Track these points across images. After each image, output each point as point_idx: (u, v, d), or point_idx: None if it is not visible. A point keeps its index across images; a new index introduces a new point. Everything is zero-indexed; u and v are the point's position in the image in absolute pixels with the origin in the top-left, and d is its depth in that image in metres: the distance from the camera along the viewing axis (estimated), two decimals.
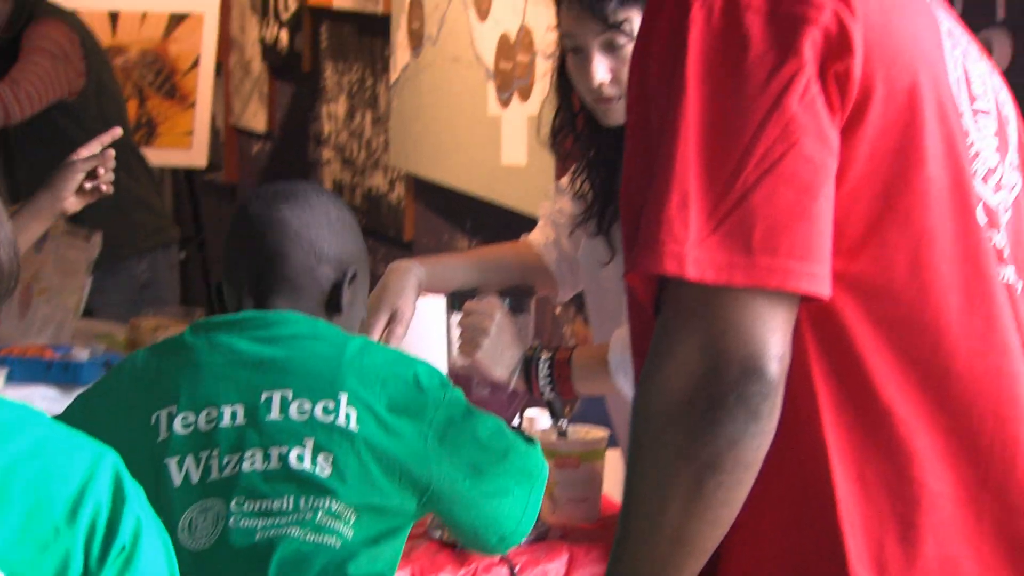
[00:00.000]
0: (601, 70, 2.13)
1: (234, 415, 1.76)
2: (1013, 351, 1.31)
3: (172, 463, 1.75)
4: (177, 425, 1.76)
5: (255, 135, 5.60)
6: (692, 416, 1.21)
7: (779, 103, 1.23)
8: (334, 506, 1.74)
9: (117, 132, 2.81)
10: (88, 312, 3.66)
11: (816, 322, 1.28)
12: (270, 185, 1.96)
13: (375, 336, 2.26)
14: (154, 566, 1.27)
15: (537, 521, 2.30)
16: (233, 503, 1.74)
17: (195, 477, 1.75)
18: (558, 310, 3.57)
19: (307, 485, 1.74)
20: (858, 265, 1.28)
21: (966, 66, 1.39)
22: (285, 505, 1.74)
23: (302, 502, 1.74)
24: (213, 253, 5.53)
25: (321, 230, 1.88)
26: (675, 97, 1.25)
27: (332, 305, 1.90)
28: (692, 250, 1.22)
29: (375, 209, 4.62)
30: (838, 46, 1.25)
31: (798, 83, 1.23)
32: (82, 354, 3.19)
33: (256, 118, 5.51)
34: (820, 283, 1.23)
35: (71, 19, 4.11)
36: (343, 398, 1.76)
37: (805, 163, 1.23)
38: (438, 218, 4.25)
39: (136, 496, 1.29)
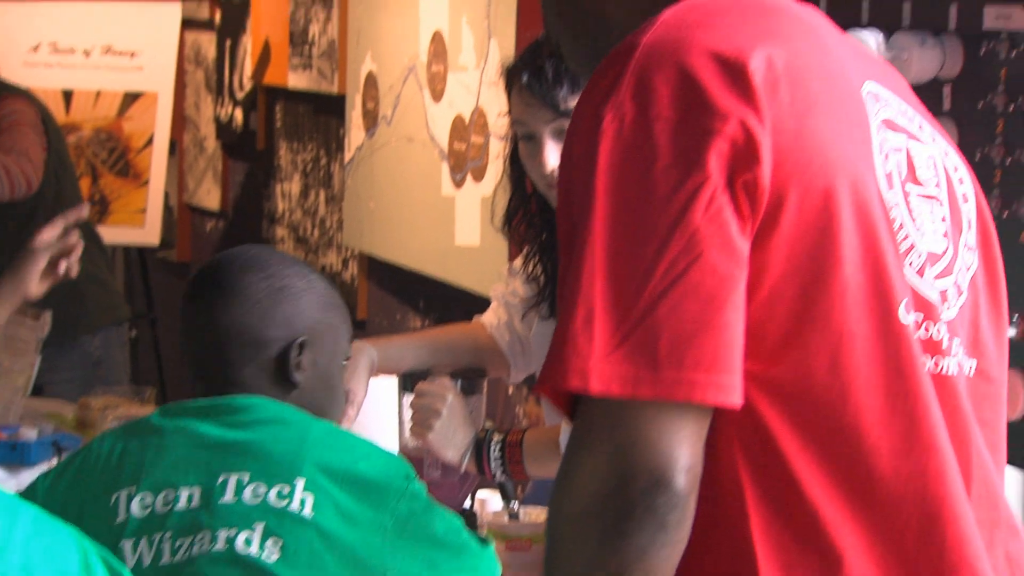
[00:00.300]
0: (553, 157, 2.15)
1: (190, 498, 1.75)
2: (939, 449, 1.32)
3: (127, 545, 1.74)
4: (135, 507, 1.76)
5: (209, 213, 5.59)
6: (601, 526, 1.23)
7: (683, 216, 1.24)
8: None
9: (83, 212, 2.79)
10: (37, 390, 3.63)
11: (741, 425, 1.29)
12: (204, 268, 1.93)
13: None
14: None
15: None
16: None
17: (147, 560, 1.73)
18: (511, 391, 3.57)
19: (253, 570, 1.72)
20: (778, 369, 1.29)
21: (910, 153, 1.40)
22: None
23: None
24: (164, 331, 5.51)
25: (253, 317, 1.85)
26: (585, 209, 1.27)
27: (283, 381, 1.86)
28: (597, 365, 1.23)
29: None
30: (745, 156, 1.25)
31: (703, 195, 1.24)
32: (30, 434, 3.15)
33: (210, 196, 5.51)
34: (727, 393, 1.25)
35: (30, 96, 4.13)
36: (300, 483, 1.74)
37: (710, 274, 1.24)
38: (391, 297, 4.25)
39: None
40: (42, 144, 3.98)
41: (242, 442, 1.78)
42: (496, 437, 2.24)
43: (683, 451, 1.23)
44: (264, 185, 5.09)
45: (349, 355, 1.96)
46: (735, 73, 1.27)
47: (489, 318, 2.51)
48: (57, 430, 3.26)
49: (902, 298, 1.32)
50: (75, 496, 1.81)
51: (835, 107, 1.33)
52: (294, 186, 4.86)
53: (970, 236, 1.44)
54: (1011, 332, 1.95)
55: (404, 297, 4.17)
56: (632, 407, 1.23)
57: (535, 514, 2.38)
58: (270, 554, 1.72)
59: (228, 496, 1.75)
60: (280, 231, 4.98)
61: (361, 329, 4.38)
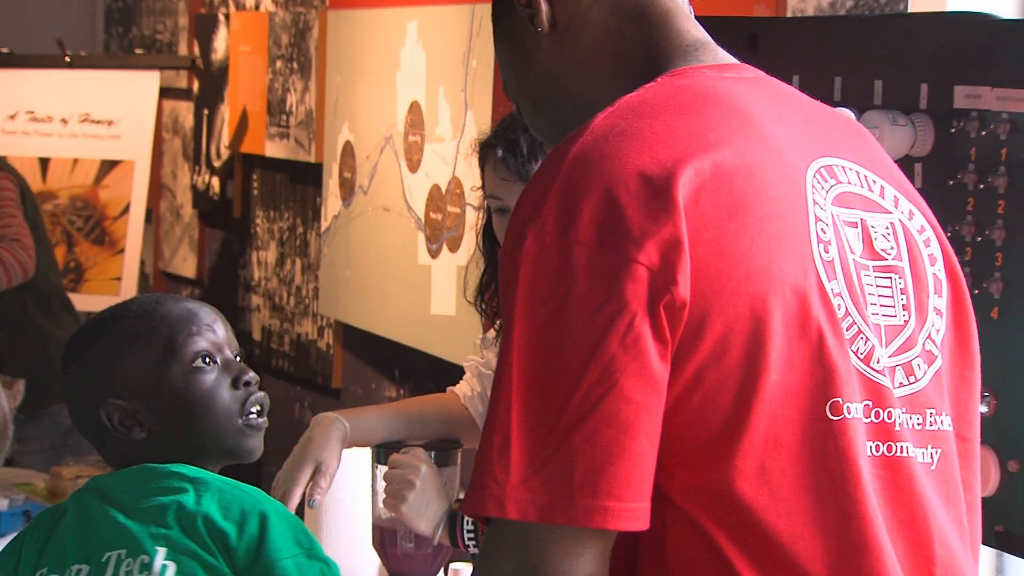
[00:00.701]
0: None
1: (78, 572, 1.75)
2: (876, 549, 1.31)
3: None
4: None
5: (185, 280, 5.59)
6: None
7: (600, 345, 1.25)
8: None
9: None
10: (7, 461, 3.61)
11: (683, 534, 1.30)
12: None
13: (298, 490, 2.24)
14: None
15: None
16: None
17: None
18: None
19: None
20: (710, 476, 1.29)
21: (866, 225, 1.39)
22: None
23: None
24: None
25: (72, 398, 1.83)
26: (506, 332, 1.28)
27: (131, 449, 1.78)
28: (513, 493, 1.26)
29: (304, 356, 4.61)
30: (663, 279, 1.26)
31: (619, 323, 1.25)
32: (1, 503, 3.14)
33: (186, 264, 5.50)
34: (637, 520, 1.27)
35: (9, 168, 4.14)
36: (160, 553, 1.72)
37: (625, 403, 1.25)
38: (366, 366, 4.25)
39: None
40: (24, 221, 4.00)
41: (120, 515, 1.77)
42: None
43: (586, 571, 1.26)
44: (240, 253, 5.09)
45: (208, 362, 1.80)
46: (658, 191, 1.27)
47: (463, 388, 2.51)
48: (28, 499, 3.24)
49: (837, 394, 1.32)
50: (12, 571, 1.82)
51: (766, 206, 1.32)
52: (270, 254, 4.86)
53: (939, 301, 1.43)
54: (983, 409, 1.96)
55: (379, 366, 4.16)
56: (539, 530, 1.26)
57: None
58: None
59: (108, 574, 1.74)
60: (256, 299, 4.97)
61: (336, 397, 4.37)
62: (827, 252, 1.35)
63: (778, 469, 1.30)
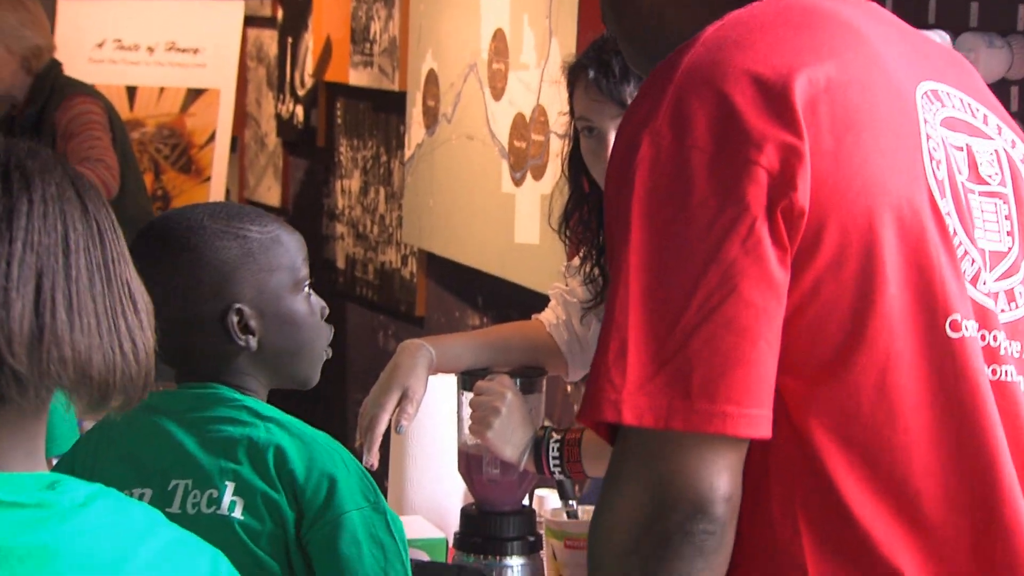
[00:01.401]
0: None
1: (141, 496, 1.74)
2: (995, 464, 1.30)
3: None
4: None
5: (269, 209, 5.61)
6: (642, 555, 1.24)
7: (720, 248, 1.24)
8: None
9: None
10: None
11: (789, 448, 1.29)
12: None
13: (385, 416, 2.25)
14: None
15: None
16: None
17: None
18: (568, 390, 3.56)
19: None
20: (826, 390, 1.29)
21: (971, 150, 1.39)
22: None
23: None
24: None
25: (178, 292, 1.74)
26: (621, 239, 1.27)
27: (235, 353, 1.76)
28: (630, 397, 1.24)
29: (387, 284, 4.63)
30: (783, 183, 1.25)
31: (740, 228, 1.24)
32: (87, 424, 3.18)
33: (270, 192, 5.53)
34: (757, 426, 1.25)
35: (97, 94, 4.16)
36: (228, 487, 1.71)
37: (745, 308, 1.24)
38: (450, 294, 4.25)
39: None
40: (111, 144, 4.02)
41: (192, 441, 1.74)
42: (555, 436, 2.23)
43: (722, 481, 1.25)
44: (324, 182, 5.10)
45: (307, 288, 1.83)
46: (774, 96, 1.26)
47: (548, 316, 2.50)
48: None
49: (955, 311, 1.31)
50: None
51: (879, 121, 1.31)
52: (354, 183, 4.87)
53: None
54: None
55: (463, 294, 4.16)
56: (670, 439, 1.25)
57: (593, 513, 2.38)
58: None
59: (175, 506, 1.73)
60: (340, 228, 4.99)
61: (419, 326, 4.39)
62: (938, 170, 1.34)
63: (898, 385, 1.29)
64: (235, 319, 1.75)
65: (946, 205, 1.34)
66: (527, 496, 2.37)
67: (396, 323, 4.60)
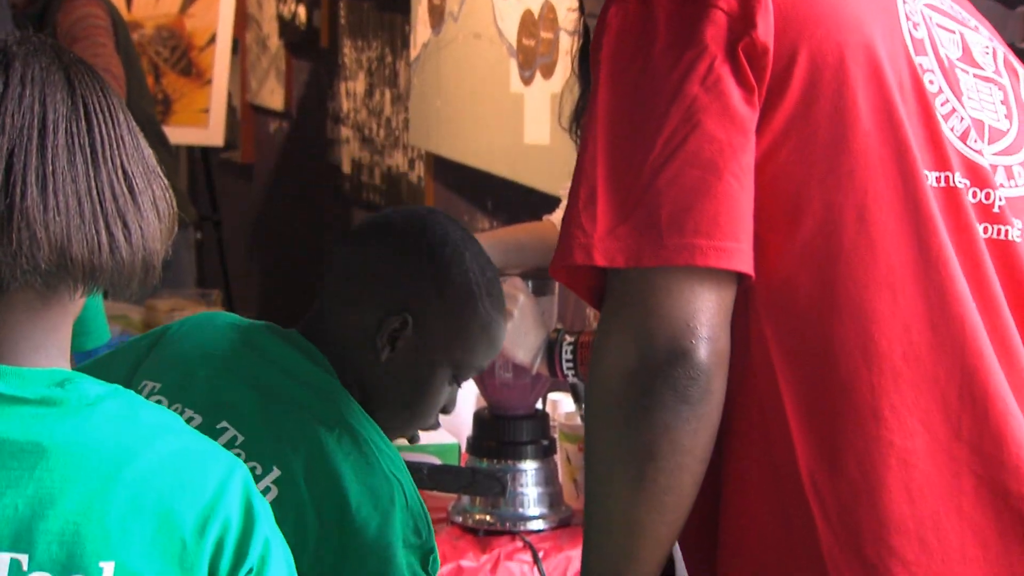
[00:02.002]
0: None
1: (189, 421, 1.62)
2: (967, 308, 1.30)
3: None
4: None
5: (272, 113, 5.55)
6: (626, 405, 1.25)
7: (681, 89, 1.26)
8: None
9: None
10: (104, 294, 3.63)
11: (763, 295, 1.29)
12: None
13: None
14: None
15: (561, 506, 2.27)
16: None
17: None
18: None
19: None
20: (805, 231, 1.28)
21: (964, 38, 1.40)
22: None
23: None
24: (229, 234, 5.49)
25: (378, 267, 1.69)
26: (592, 101, 1.30)
27: (367, 352, 1.68)
28: (600, 241, 1.26)
29: (394, 188, 4.58)
30: (741, 22, 1.27)
31: (700, 67, 1.26)
32: None
33: (273, 96, 5.47)
34: (732, 258, 1.25)
35: None
36: (274, 474, 1.58)
37: (709, 142, 1.25)
38: (458, 198, 4.21)
39: (265, 514, 1.20)
40: (115, 50, 3.95)
41: (264, 400, 1.62)
42: (568, 338, 2.20)
43: (701, 321, 1.24)
44: (328, 84, 5.04)
45: (460, 383, 1.76)
46: None
47: (559, 217, 2.48)
48: (124, 332, 3.25)
49: (930, 159, 1.31)
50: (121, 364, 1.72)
51: None
52: (359, 85, 4.81)
53: None
54: None
55: (471, 198, 4.12)
56: (647, 280, 1.25)
57: None
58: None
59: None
60: (345, 131, 4.93)
61: None
62: (916, 31, 1.36)
63: (878, 222, 1.29)
64: (395, 325, 1.67)
65: (927, 62, 1.35)
66: (540, 400, 2.34)
67: None
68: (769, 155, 1.28)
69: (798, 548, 1.29)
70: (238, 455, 1.52)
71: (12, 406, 1.14)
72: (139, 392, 1.60)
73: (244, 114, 5.77)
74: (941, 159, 1.32)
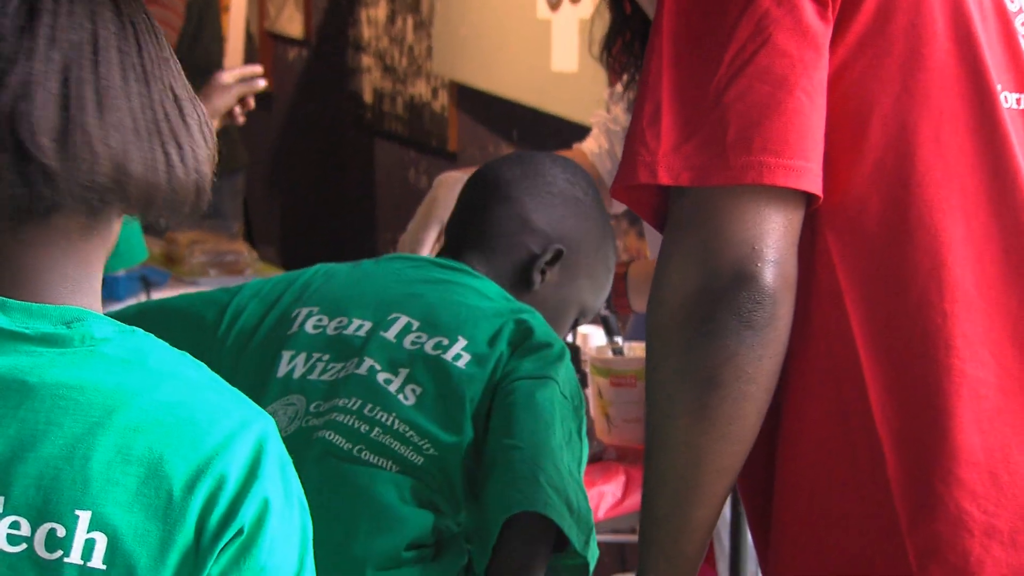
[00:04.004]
0: None
1: (359, 327, 1.73)
2: None
3: (287, 355, 1.73)
4: (309, 325, 1.74)
5: (291, 41, 5.50)
6: (689, 330, 1.22)
7: (751, 1, 1.22)
8: (401, 427, 1.65)
9: (258, 70, 2.76)
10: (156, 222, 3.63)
11: (831, 218, 1.26)
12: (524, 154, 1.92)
13: (424, 251, 2.20)
14: (278, 556, 1.11)
15: (593, 441, 2.24)
16: (312, 404, 1.69)
17: (298, 372, 1.72)
18: (612, 223, 3.48)
19: (385, 401, 1.66)
20: (877, 150, 1.25)
21: None
22: (351, 405, 1.67)
23: (367, 410, 1.66)
24: (250, 163, 5.45)
25: (535, 198, 1.82)
26: (656, 15, 1.25)
27: (522, 278, 1.82)
28: (665, 158, 1.22)
29: (417, 118, 4.54)
30: None
31: None
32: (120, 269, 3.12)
33: (292, 23, 5.41)
34: (802, 177, 1.21)
35: None
36: (460, 342, 1.69)
37: (780, 57, 1.21)
38: (483, 128, 4.17)
39: (275, 474, 1.12)
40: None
41: (431, 294, 1.75)
42: None
43: (767, 243, 1.20)
44: (348, 11, 4.98)
45: (592, 313, 1.92)
46: None
47: (590, 146, 2.44)
48: (144, 265, 3.21)
49: (1010, 79, 1.28)
50: (270, 300, 1.81)
51: None
52: (380, 11, 4.75)
53: None
54: None
55: (497, 127, 4.08)
56: (713, 200, 1.21)
57: (639, 349, 2.33)
58: (406, 397, 1.66)
59: (390, 334, 1.71)
60: (366, 60, 4.88)
61: (452, 161, 4.31)
62: None
63: (953, 145, 1.25)
64: (550, 256, 1.81)
65: None
66: (571, 333, 2.30)
67: (427, 159, 4.52)
68: (841, 71, 1.24)
69: (864, 480, 1.26)
70: (418, 336, 1.69)
71: (9, 342, 1.09)
72: (294, 317, 1.72)
73: (262, 42, 5.71)
74: (1021, 80, 1.29)
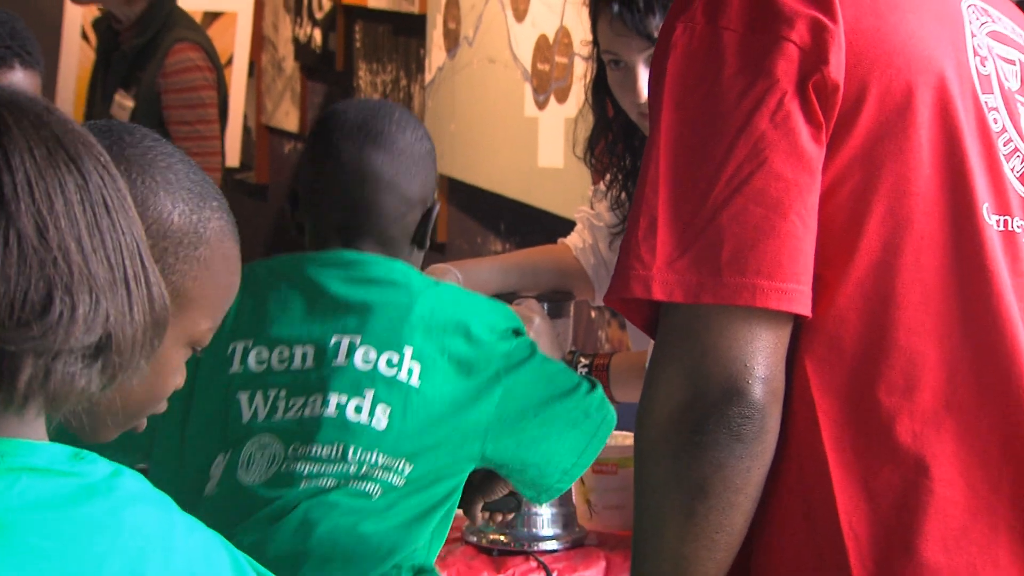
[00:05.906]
0: (647, 86, 2.09)
1: (304, 356, 1.75)
2: (1019, 353, 1.28)
3: (243, 397, 1.74)
4: (251, 360, 1.76)
5: (287, 134, 5.58)
6: (678, 440, 1.23)
7: (749, 122, 1.23)
8: (382, 459, 1.72)
9: None
10: None
11: (809, 333, 1.27)
12: (353, 115, 1.88)
13: None
14: None
15: (575, 527, 2.28)
16: (290, 448, 1.73)
17: (261, 415, 1.73)
18: (593, 315, 3.54)
19: (362, 436, 1.72)
20: (859, 270, 1.26)
21: (1022, 65, 1.37)
22: (333, 453, 1.72)
23: (350, 453, 1.72)
24: (243, 254, 5.49)
25: (409, 175, 1.86)
26: (653, 122, 1.26)
27: (418, 242, 1.89)
28: (659, 273, 1.23)
29: None
30: (814, 57, 1.24)
31: (770, 101, 1.23)
32: None
33: (288, 118, 5.49)
34: (792, 301, 1.22)
35: (204, 37, 4.14)
36: (408, 352, 1.75)
37: (775, 180, 1.22)
38: (472, 220, 4.22)
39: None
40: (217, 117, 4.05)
41: (358, 303, 1.78)
42: (583, 360, 2.21)
43: (758, 361, 1.22)
44: None
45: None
46: None
47: (574, 240, 2.47)
48: None
49: (986, 200, 1.29)
50: None
51: (924, 8, 1.30)
52: None
53: None
54: None
55: (485, 220, 4.13)
56: (704, 316, 1.22)
57: (621, 437, 2.36)
58: (378, 421, 1.72)
59: (340, 359, 1.74)
60: None
61: (441, 252, 4.36)
62: (983, 67, 1.33)
63: (931, 267, 1.27)
64: (432, 217, 1.88)
65: (992, 100, 1.32)
66: None
67: None
68: (831, 191, 1.25)
69: None
70: (367, 352, 1.74)
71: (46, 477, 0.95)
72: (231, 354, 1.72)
73: (259, 135, 5.79)
74: (1003, 203, 1.30)
